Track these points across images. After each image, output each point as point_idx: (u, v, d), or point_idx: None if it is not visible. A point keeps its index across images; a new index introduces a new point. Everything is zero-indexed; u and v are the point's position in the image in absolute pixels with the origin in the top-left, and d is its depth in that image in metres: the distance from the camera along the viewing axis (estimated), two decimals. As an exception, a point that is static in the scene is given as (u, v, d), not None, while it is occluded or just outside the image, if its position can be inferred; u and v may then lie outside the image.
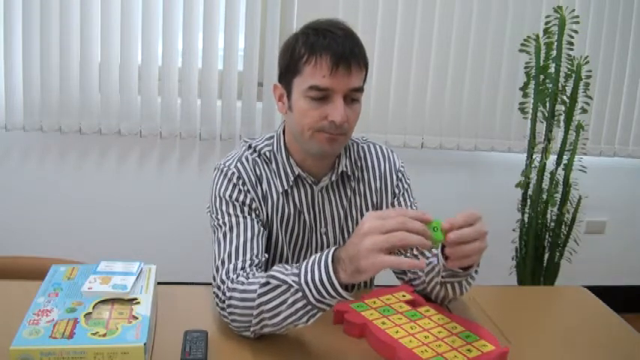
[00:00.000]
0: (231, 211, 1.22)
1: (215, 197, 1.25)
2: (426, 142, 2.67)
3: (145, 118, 2.44)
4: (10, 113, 2.34)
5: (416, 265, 0.95)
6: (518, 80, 2.46)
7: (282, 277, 1.02)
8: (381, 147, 1.41)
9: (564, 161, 2.34)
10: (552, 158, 2.36)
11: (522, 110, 2.37)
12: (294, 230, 1.30)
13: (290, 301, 1.00)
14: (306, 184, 1.29)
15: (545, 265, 2.44)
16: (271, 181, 1.28)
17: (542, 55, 2.27)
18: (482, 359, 1.06)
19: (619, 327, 1.30)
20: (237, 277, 1.12)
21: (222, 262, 1.16)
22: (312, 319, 1.01)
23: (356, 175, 1.34)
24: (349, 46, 1.16)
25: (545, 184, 2.35)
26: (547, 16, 2.27)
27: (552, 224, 2.41)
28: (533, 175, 2.35)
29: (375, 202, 1.36)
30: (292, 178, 1.27)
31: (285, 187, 1.27)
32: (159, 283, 1.20)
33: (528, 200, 2.40)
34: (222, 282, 1.13)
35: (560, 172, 2.35)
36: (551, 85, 2.26)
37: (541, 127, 2.34)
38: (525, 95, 2.34)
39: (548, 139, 2.32)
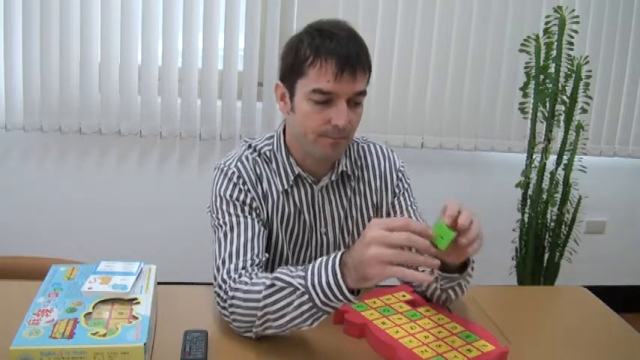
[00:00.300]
0: (231, 210, 1.22)
1: (216, 197, 1.25)
2: (426, 142, 2.67)
3: (145, 118, 2.44)
4: (10, 113, 2.34)
5: (422, 279, 0.96)
6: (518, 80, 2.46)
7: (288, 279, 1.02)
8: (381, 147, 1.40)
9: (564, 161, 2.34)
10: (552, 158, 2.36)
11: (522, 110, 2.37)
12: (294, 230, 1.30)
13: (296, 303, 1.01)
14: (306, 184, 1.29)
15: (545, 265, 2.44)
16: (271, 181, 1.28)
17: (542, 55, 2.27)
18: (482, 359, 1.06)
19: (619, 327, 1.30)
20: (240, 277, 1.12)
21: (223, 262, 1.16)
22: (316, 322, 1.02)
23: (356, 174, 1.34)
24: (355, 50, 1.15)
25: (545, 184, 2.35)
26: (547, 16, 2.27)
27: (552, 224, 2.41)
28: (533, 175, 2.35)
29: (375, 202, 1.36)
30: (292, 178, 1.27)
31: (285, 187, 1.27)
32: (159, 283, 1.20)
33: (528, 200, 2.40)
34: (224, 281, 1.13)
35: (560, 172, 2.35)
36: (551, 85, 2.26)
37: (541, 127, 2.34)
38: (525, 95, 2.34)
39: (548, 139, 2.32)
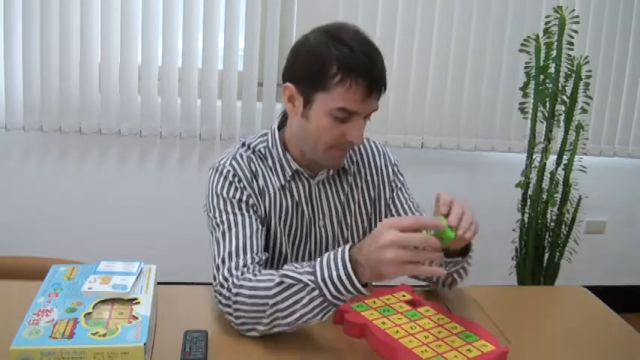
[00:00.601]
0: (229, 209, 1.22)
1: (212, 196, 1.25)
2: (426, 142, 2.67)
3: (145, 118, 2.44)
4: (10, 113, 2.34)
5: (437, 272, 1.02)
6: (518, 80, 2.46)
7: (296, 276, 1.04)
8: (375, 142, 1.42)
9: (564, 161, 2.34)
10: (552, 158, 2.36)
11: (522, 110, 2.37)
12: (292, 224, 1.30)
13: (306, 299, 1.03)
14: (303, 178, 1.30)
15: (545, 265, 2.44)
16: (267, 177, 1.28)
17: (542, 55, 2.27)
18: (482, 359, 1.06)
19: (619, 327, 1.31)
20: (242, 274, 1.12)
21: (223, 261, 1.16)
22: (326, 316, 1.04)
23: (352, 169, 1.36)
24: (381, 72, 1.16)
25: (545, 184, 2.35)
26: (547, 16, 2.27)
27: (552, 224, 2.41)
28: (533, 175, 2.35)
29: (372, 196, 1.37)
30: (290, 173, 1.28)
31: (283, 182, 1.28)
32: (159, 283, 1.20)
33: (528, 200, 2.40)
34: (226, 279, 1.13)
35: (560, 172, 2.35)
36: (551, 85, 2.26)
37: (541, 127, 2.34)
38: (525, 95, 2.34)
39: (548, 139, 2.32)
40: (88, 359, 0.93)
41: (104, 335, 0.96)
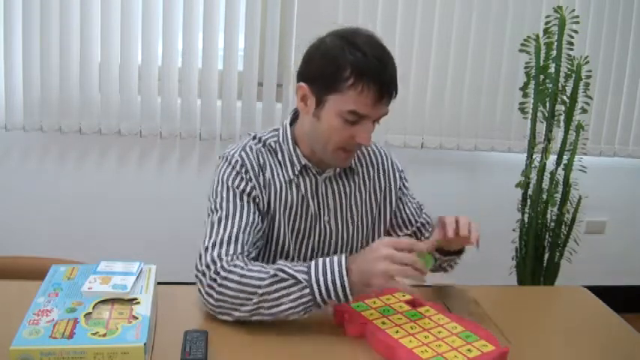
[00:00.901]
0: (230, 197, 1.25)
1: (218, 182, 1.28)
2: (426, 142, 2.67)
3: (145, 118, 2.44)
4: (10, 113, 2.34)
5: (410, 291, 1.14)
6: (518, 80, 2.46)
7: (291, 272, 1.10)
8: (380, 146, 1.47)
9: (564, 161, 2.34)
10: (552, 158, 2.36)
11: (522, 110, 2.37)
12: (297, 218, 1.32)
13: (295, 295, 1.09)
14: (311, 174, 1.33)
15: (545, 265, 2.44)
16: (274, 170, 1.31)
17: (542, 55, 2.27)
18: (482, 359, 1.06)
19: (619, 327, 1.31)
20: (232, 261, 1.15)
21: (214, 245, 1.18)
22: (307, 314, 1.11)
23: (360, 171, 1.40)
24: (393, 77, 1.21)
25: (545, 184, 2.35)
26: (547, 16, 2.27)
27: (552, 224, 2.41)
28: (533, 175, 2.35)
29: (379, 199, 1.41)
30: (299, 168, 1.31)
31: (291, 176, 1.31)
32: (159, 283, 1.20)
33: (528, 200, 2.40)
34: (214, 262, 1.15)
35: (560, 172, 2.35)
36: (551, 85, 2.26)
37: (541, 127, 2.34)
38: (525, 95, 2.34)
39: (548, 139, 2.32)
40: (88, 359, 0.93)
41: (104, 335, 0.96)
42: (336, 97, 1.19)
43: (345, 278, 1.09)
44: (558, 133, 2.37)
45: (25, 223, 2.50)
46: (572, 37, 2.27)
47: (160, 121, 2.45)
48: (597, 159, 2.78)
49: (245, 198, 1.25)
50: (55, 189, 2.51)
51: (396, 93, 1.23)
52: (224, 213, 1.23)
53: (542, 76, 2.27)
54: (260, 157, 1.31)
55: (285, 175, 1.31)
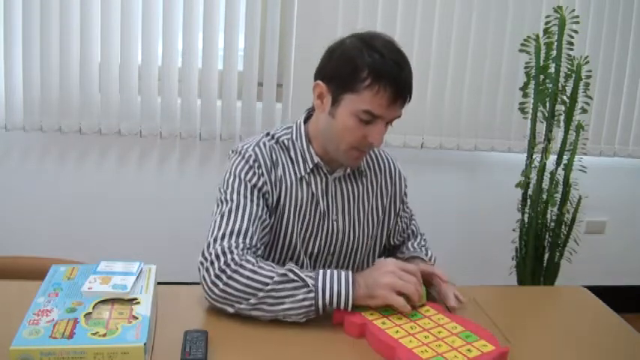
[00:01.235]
0: (242, 190, 1.27)
1: (230, 174, 1.30)
2: (426, 142, 2.67)
3: (145, 118, 2.44)
4: (10, 113, 2.34)
5: (408, 310, 1.17)
6: (518, 80, 2.46)
7: (300, 275, 1.14)
8: (387, 153, 1.50)
9: (564, 161, 2.34)
10: (552, 158, 2.36)
11: (522, 110, 2.37)
12: (306, 216, 1.34)
13: (299, 297, 1.13)
14: (322, 173, 1.35)
15: (545, 265, 2.44)
16: (286, 167, 1.33)
17: (542, 55, 2.27)
18: (482, 359, 1.06)
19: (619, 327, 1.31)
20: (244, 255, 1.17)
21: (224, 236, 1.19)
22: (305, 318, 1.14)
23: (368, 174, 1.42)
24: (408, 81, 1.23)
25: (545, 184, 2.35)
26: (547, 16, 2.27)
27: (552, 224, 2.41)
28: (533, 175, 2.35)
29: (384, 204, 1.44)
30: (310, 166, 1.33)
31: (302, 174, 1.33)
32: (159, 283, 1.20)
33: (528, 200, 2.40)
34: (224, 253, 1.16)
35: (560, 172, 2.35)
36: (551, 85, 2.26)
37: (541, 127, 2.34)
38: (525, 95, 2.34)
39: (548, 139, 2.32)
40: (88, 359, 0.93)
41: (104, 335, 0.96)
42: (352, 96, 1.21)
43: (351, 288, 1.14)
44: (558, 133, 2.37)
45: (25, 223, 2.50)
46: (572, 37, 2.27)
47: (160, 121, 2.45)
48: (597, 159, 2.79)
49: (256, 192, 1.27)
50: (55, 189, 2.52)
51: (410, 97, 1.25)
52: (234, 205, 1.24)
53: (542, 76, 2.27)
54: (273, 153, 1.33)
55: (297, 172, 1.33)
